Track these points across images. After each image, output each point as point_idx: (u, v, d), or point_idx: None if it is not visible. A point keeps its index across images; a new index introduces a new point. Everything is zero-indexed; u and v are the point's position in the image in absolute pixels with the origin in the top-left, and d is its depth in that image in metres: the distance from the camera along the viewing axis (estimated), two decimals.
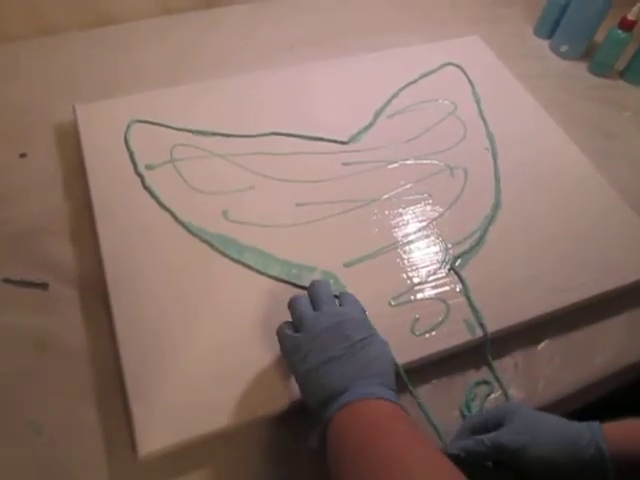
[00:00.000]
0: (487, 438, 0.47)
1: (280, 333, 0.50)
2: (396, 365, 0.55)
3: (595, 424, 0.46)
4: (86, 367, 0.56)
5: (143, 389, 0.52)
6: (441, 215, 0.68)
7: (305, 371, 0.46)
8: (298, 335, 0.48)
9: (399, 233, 0.66)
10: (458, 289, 0.62)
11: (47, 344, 0.57)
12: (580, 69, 0.96)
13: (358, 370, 0.45)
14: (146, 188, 0.66)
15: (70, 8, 0.86)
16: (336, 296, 0.53)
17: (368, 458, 0.39)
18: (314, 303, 0.51)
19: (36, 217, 0.66)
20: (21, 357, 0.56)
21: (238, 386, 0.53)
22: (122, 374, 0.53)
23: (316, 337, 0.47)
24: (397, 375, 0.55)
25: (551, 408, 0.59)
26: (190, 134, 0.72)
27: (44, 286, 0.60)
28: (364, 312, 0.52)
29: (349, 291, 0.56)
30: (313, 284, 0.52)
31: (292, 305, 0.51)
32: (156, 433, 0.50)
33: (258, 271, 0.61)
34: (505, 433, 0.47)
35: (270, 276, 0.61)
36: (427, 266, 0.64)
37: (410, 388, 0.56)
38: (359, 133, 0.76)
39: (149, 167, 0.68)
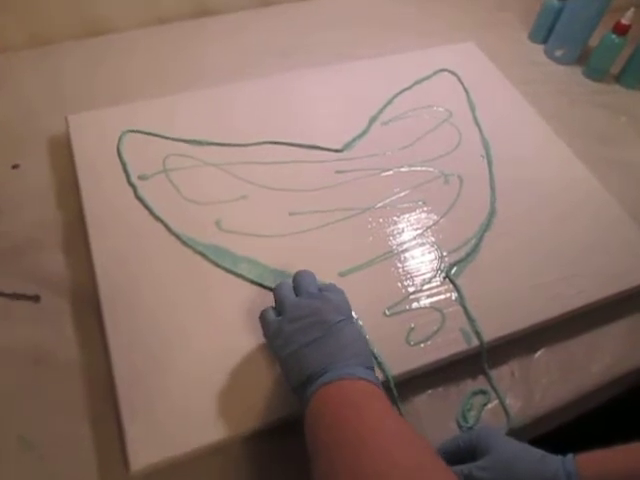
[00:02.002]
0: (461, 472, 0.47)
1: (262, 318, 0.52)
2: (387, 379, 0.55)
3: (569, 460, 0.46)
4: (78, 380, 0.55)
5: (135, 403, 0.51)
6: (436, 223, 0.68)
7: (287, 354, 0.48)
8: (279, 319, 0.50)
9: (394, 241, 0.66)
10: (453, 297, 0.62)
11: (39, 357, 0.56)
12: (575, 74, 0.96)
13: (336, 351, 0.46)
14: (139, 198, 0.65)
15: (61, 18, 0.86)
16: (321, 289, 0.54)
17: (343, 433, 0.40)
18: (296, 290, 0.52)
19: (28, 228, 0.65)
20: (12, 370, 0.55)
21: (231, 400, 0.52)
22: (114, 388, 0.52)
23: (296, 320, 0.48)
24: (388, 389, 0.54)
25: (548, 417, 0.59)
26: (183, 144, 0.71)
27: (36, 299, 0.60)
28: (344, 297, 0.53)
29: None
30: (298, 273, 0.54)
31: (276, 291, 0.53)
32: (148, 448, 0.49)
33: (252, 282, 0.61)
34: (480, 468, 0.47)
35: (264, 287, 0.60)
36: (422, 275, 0.63)
37: (398, 404, 0.55)
38: (353, 141, 0.75)
39: (142, 177, 0.67)
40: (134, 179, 0.67)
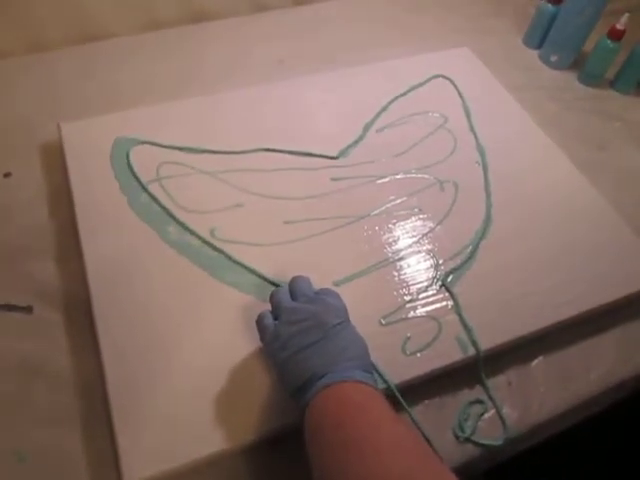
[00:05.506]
0: None
1: (259, 322, 0.52)
2: (389, 386, 0.54)
3: None
4: (71, 392, 0.54)
5: (129, 415, 0.51)
6: (432, 230, 0.68)
7: (285, 358, 0.47)
8: (276, 323, 0.50)
9: (390, 249, 0.65)
10: (450, 306, 0.61)
11: (31, 369, 0.55)
12: (570, 79, 0.96)
13: (335, 354, 0.46)
14: (132, 207, 0.65)
15: (55, 24, 0.85)
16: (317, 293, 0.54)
17: (341, 437, 0.41)
18: (293, 294, 0.53)
19: (20, 238, 0.64)
20: (4, 383, 0.54)
21: (227, 411, 0.52)
22: (108, 400, 0.51)
23: (294, 324, 0.48)
24: (392, 396, 0.54)
25: (545, 426, 0.58)
26: (177, 151, 0.71)
27: (28, 309, 0.59)
28: (341, 301, 0.52)
29: None
30: (293, 279, 0.54)
31: (272, 296, 0.53)
32: (143, 461, 0.48)
33: (247, 291, 0.60)
34: None
35: (259, 296, 0.59)
36: (418, 283, 0.63)
37: (407, 408, 0.55)
38: (348, 148, 0.75)
39: None
40: (127, 187, 0.66)
